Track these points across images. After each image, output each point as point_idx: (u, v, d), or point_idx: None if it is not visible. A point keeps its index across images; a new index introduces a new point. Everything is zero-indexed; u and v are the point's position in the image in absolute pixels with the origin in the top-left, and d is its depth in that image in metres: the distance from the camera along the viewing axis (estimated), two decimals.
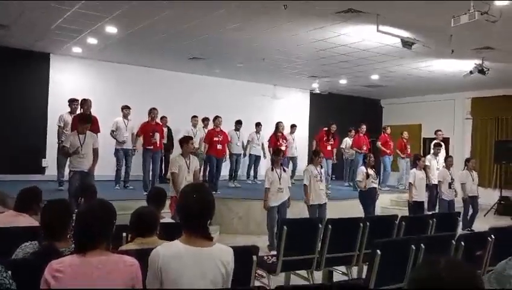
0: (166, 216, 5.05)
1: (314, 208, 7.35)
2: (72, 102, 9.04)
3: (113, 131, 9.57)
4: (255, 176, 12.02)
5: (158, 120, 9.98)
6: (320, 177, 7.46)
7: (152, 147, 9.28)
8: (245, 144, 11.56)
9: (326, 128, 11.67)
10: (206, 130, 10.68)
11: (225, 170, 10.94)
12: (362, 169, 8.27)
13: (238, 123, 11.27)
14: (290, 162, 12.16)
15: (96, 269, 2.14)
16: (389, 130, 12.49)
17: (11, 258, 2.73)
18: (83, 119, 7.19)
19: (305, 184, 7.41)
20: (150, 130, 9.31)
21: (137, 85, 11.65)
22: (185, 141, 6.89)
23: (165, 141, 10.51)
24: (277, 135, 11.17)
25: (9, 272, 2.02)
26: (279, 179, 7.12)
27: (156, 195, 4.48)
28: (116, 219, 2.31)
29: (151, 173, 9.30)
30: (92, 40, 9.20)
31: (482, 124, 13.87)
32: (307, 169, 7.61)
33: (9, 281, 1.96)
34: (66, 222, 2.72)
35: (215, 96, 12.67)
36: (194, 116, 11.00)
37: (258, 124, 11.84)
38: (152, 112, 9.44)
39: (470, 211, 9.36)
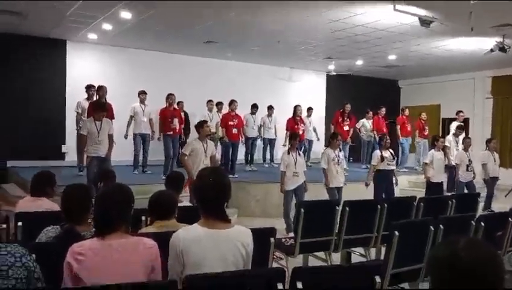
0: (185, 200, 5.11)
1: (333, 191, 7.35)
2: (89, 88, 9.14)
3: (131, 117, 9.67)
4: (272, 159, 12.04)
5: (175, 106, 10.03)
6: (338, 160, 7.43)
7: (172, 132, 9.35)
8: (258, 127, 11.57)
9: (341, 110, 11.61)
10: (221, 115, 10.69)
11: (241, 154, 10.97)
12: (377, 153, 8.20)
13: (254, 107, 11.26)
14: (308, 145, 12.13)
15: (115, 251, 2.18)
16: (407, 112, 12.35)
17: (34, 241, 2.80)
18: (99, 106, 7.29)
19: (323, 168, 7.39)
20: (169, 116, 9.37)
21: (152, 70, 11.69)
22: (200, 125, 6.93)
23: (183, 125, 10.57)
24: (295, 118, 11.13)
25: (34, 255, 2.07)
26: (295, 164, 7.13)
27: (174, 179, 4.53)
28: (134, 202, 2.34)
29: (171, 156, 9.37)
30: (106, 26, 9.23)
31: (503, 103, 13.58)
32: (324, 152, 7.59)
33: (33, 263, 2.02)
34: (86, 206, 2.77)
35: (230, 80, 12.64)
36: (210, 101, 11.03)
37: (270, 107, 11.80)
38: (170, 97, 9.49)
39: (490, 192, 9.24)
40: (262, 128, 11.64)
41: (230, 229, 2.32)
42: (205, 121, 7.21)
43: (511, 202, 9.69)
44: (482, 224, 4.13)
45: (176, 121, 9.40)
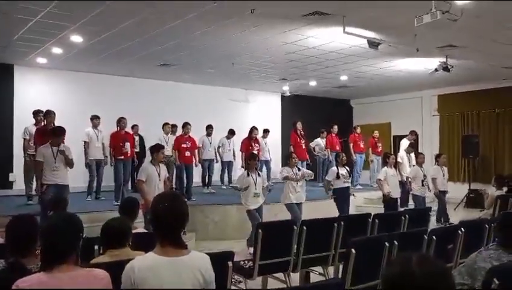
0: (139, 226, 4.97)
1: (294, 207, 7.43)
2: (36, 114, 8.80)
3: (85, 142, 9.42)
4: (230, 181, 11.98)
5: (129, 129, 9.84)
6: (297, 178, 7.51)
7: (123, 156, 9.15)
8: (217, 149, 11.52)
9: (293, 129, 11.81)
10: (174, 137, 10.59)
11: (198, 176, 10.87)
12: (333, 170, 8.36)
13: (209, 128, 11.23)
14: (264, 165, 12.17)
15: (65, 284, 2.07)
16: (359, 130, 12.69)
17: None
18: (58, 131, 7.02)
19: (284, 176, 7.47)
20: (121, 140, 9.18)
21: (106, 94, 11.47)
22: (156, 149, 6.84)
23: (137, 149, 10.39)
24: (250, 139, 11.19)
25: None
26: (255, 184, 7.14)
27: (127, 205, 4.43)
28: (83, 232, 2.25)
29: (122, 182, 9.15)
30: (56, 50, 9.00)
31: (448, 120, 14.22)
32: (284, 169, 7.66)
33: None
34: (33, 237, 2.63)
35: (186, 102, 12.59)
36: (166, 124, 10.92)
37: (231, 132, 11.78)
38: (121, 121, 9.31)
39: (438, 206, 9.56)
40: (221, 150, 11.60)
41: (187, 256, 2.26)
42: (161, 146, 7.09)
43: (460, 215, 10.08)
44: (434, 238, 4.24)
45: (127, 145, 9.21)
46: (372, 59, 9.97)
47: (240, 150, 11.09)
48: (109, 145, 9.34)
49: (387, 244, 3.93)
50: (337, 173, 8.16)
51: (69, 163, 6.92)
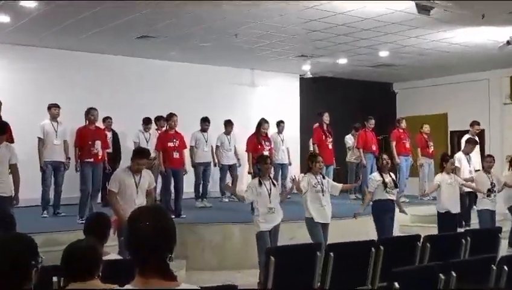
0: (112, 251, 5.00)
1: (318, 228, 7.32)
2: None
3: (39, 139, 9.46)
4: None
5: (100, 123, 9.88)
6: (322, 189, 7.48)
7: (93, 159, 9.18)
8: (214, 149, 11.54)
9: (318, 124, 11.73)
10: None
11: (190, 186, 10.89)
12: (375, 176, 8.26)
13: (205, 121, 11.20)
14: (280, 171, 12.18)
15: None
16: (404, 124, 12.62)
17: None
18: None
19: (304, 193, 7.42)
20: (90, 137, 9.20)
21: (67, 76, 11.52)
22: (135, 156, 6.87)
23: (109, 149, 10.41)
24: (259, 135, 11.04)
25: None
26: (269, 196, 7.10)
27: (95, 223, 4.45)
28: (38, 258, 2.26)
29: (90, 193, 9.20)
30: (2, 18, 9.06)
31: None
32: (304, 176, 7.60)
33: None
34: None
35: (173, 87, 12.63)
36: (147, 118, 10.95)
37: (228, 123, 11.79)
38: (90, 112, 9.32)
39: None
40: (220, 151, 11.64)
41: None
42: (143, 154, 7.06)
43: None
44: (506, 268, 4.23)
45: (98, 144, 9.24)
46: (421, 29, 9.92)
47: (246, 151, 11.05)
48: (74, 144, 9.35)
49: (442, 276, 3.93)
50: (383, 181, 8.08)
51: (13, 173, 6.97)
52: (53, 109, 9.59)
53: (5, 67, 11.12)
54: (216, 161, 11.57)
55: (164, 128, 10.38)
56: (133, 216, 2.37)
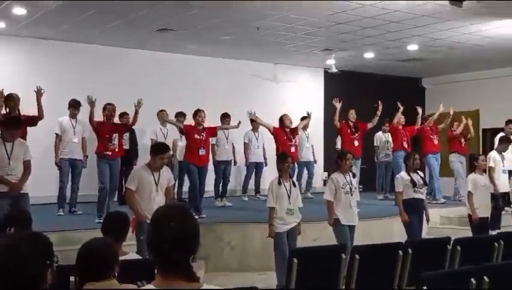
0: (131, 251, 5.03)
1: (345, 230, 7.30)
2: None
3: (57, 135, 9.59)
4: (257, 190, 12.02)
5: (117, 118, 9.97)
6: (351, 189, 7.46)
7: (110, 153, 9.24)
8: (235, 146, 11.57)
9: (344, 120, 11.68)
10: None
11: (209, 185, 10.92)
12: (403, 175, 8.21)
13: (225, 117, 11.22)
14: (305, 169, 12.17)
15: None
16: (432, 120, 12.48)
17: None
18: (11, 122, 7.18)
19: (328, 200, 7.39)
20: (107, 132, 9.26)
21: (84, 70, 11.64)
22: (154, 152, 6.91)
23: (126, 146, 10.48)
24: (285, 129, 11.00)
25: None
26: (289, 197, 7.10)
27: (113, 222, 4.49)
28: (53, 259, 2.28)
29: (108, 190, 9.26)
30: (19, 10, 9.18)
31: None
32: (331, 178, 7.59)
33: None
34: None
35: (193, 81, 12.67)
36: (162, 111, 10.98)
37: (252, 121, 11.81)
38: (107, 108, 9.40)
39: None
40: (248, 149, 11.69)
41: None
42: (164, 148, 7.12)
43: None
44: None
45: (116, 138, 9.30)
46: (453, 21, 9.83)
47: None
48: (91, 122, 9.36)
49: (473, 281, 3.89)
50: (411, 180, 8.03)
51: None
52: (73, 108, 9.71)
53: (24, 61, 11.27)
54: (237, 159, 11.59)
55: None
56: (157, 216, 2.38)
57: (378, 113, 11.67)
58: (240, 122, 10.65)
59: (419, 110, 12.26)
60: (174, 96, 11.98)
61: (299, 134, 11.48)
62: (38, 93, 8.28)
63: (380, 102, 11.52)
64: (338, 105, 11.30)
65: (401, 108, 11.92)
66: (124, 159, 9.88)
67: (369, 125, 11.72)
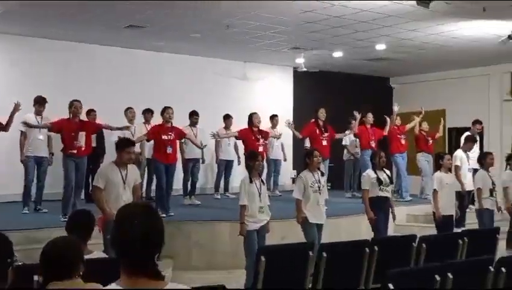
0: (97, 250, 4.99)
1: (313, 229, 7.36)
2: None
3: (21, 132, 9.44)
4: (226, 189, 12.01)
5: (83, 117, 9.86)
6: (319, 187, 7.51)
7: (76, 151, 9.13)
8: (203, 143, 11.54)
9: (313, 119, 11.73)
10: (149, 127, 10.60)
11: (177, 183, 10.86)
12: (369, 173, 8.30)
13: (194, 115, 11.20)
14: (273, 167, 12.21)
15: None
16: (398, 120, 12.61)
17: None
18: None
19: (297, 198, 7.42)
20: (73, 130, 9.14)
21: (51, 67, 11.47)
22: (121, 146, 6.85)
23: (93, 144, 10.36)
24: (253, 128, 11.04)
25: None
26: (259, 195, 7.12)
27: (78, 220, 4.45)
28: (13, 257, 2.25)
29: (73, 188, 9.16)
30: None
31: None
32: (300, 177, 7.64)
33: None
34: None
35: (161, 79, 12.62)
36: (129, 108, 10.89)
37: (227, 117, 11.85)
38: (74, 105, 9.27)
39: None
40: (219, 146, 11.68)
41: None
42: (129, 142, 7.09)
43: None
44: (504, 270, 4.25)
45: (82, 136, 9.19)
46: (420, 21, 9.94)
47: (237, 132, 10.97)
48: (51, 127, 9.23)
49: (438, 278, 3.94)
50: (378, 178, 8.11)
51: None
52: (38, 105, 9.58)
53: None
54: (205, 157, 11.59)
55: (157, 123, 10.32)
56: (121, 214, 2.38)
57: (351, 127, 12.03)
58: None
59: (388, 119, 12.36)
60: (143, 94, 11.90)
61: (268, 138, 11.48)
62: (16, 108, 8.13)
63: (356, 114, 11.68)
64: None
65: (358, 116, 11.96)
66: (91, 157, 9.77)
67: (337, 136, 11.85)
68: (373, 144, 11.95)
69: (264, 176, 8.07)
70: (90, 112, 10.65)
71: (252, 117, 11.00)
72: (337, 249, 4.97)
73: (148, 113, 11.07)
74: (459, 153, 10.41)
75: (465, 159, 10.29)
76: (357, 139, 12.43)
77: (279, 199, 10.74)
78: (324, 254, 4.83)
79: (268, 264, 4.62)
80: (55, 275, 3.03)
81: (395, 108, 12.40)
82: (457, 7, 8.87)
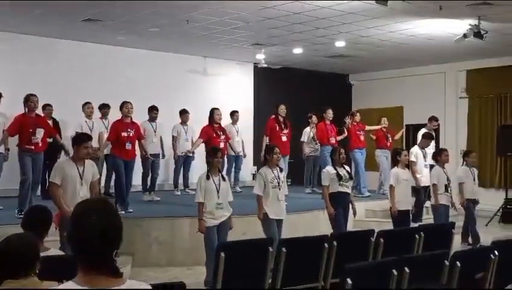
0: (53, 247, 4.91)
1: (273, 224, 7.38)
2: None
3: None
4: (186, 185, 11.96)
5: (39, 111, 9.67)
6: (279, 183, 7.54)
7: (33, 147, 8.97)
8: (163, 140, 11.49)
9: (274, 116, 11.79)
10: (107, 122, 10.47)
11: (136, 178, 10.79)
12: (329, 169, 8.37)
13: (153, 110, 11.16)
14: (234, 163, 12.24)
15: None
16: (358, 117, 12.75)
17: None
18: None
19: (258, 194, 7.44)
20: (30, 125, 8.97)
21: (7, 61, 11.27)
22: (78, 142, 6.76)
23: (50, 139, 10.20)
24: (213, 125, 11.08)
25: None
26: (218, 191, 7.10)
27: (34, 216, 4.39)
28: None
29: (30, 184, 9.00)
30: None
31: (481, 104, 14.46)
32: (259, 173, 7.65)
33: None
34: None
35: (120, 73, 12.48)
36: (87, 103, 10.76)
37: (183, 112, 11.82)
38: (30, 99, 9.08)
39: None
40: (176, 142, 11.63)
41: (123, 287, 2.26)
42: (86, 137, 6.99)
43: (493, 233, 10.34)
44: (458, 264, 4.34)
45: (39, 132, 9.03)
46: (379, 19, 10.06)
47: (200, 137, 10.99)
48: (5, 131, 9.07)
49: (395, 272, 4.01)
50: (337, 174, 8.19)
51: None
52: None
53: None
54: (166, 152, 11.52)
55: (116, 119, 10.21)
56: (78, 210, 2.35)
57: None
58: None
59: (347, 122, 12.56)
60: (101, 89, 11.75)
61: (226, 131, 11.52)
62: None
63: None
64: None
65: (315, 121, 12.34)
66: (48, 153, 9.61)
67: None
68: (333, 140, 12.08)
69: (224, 172, 8.08)
70: (46, 107, 10.48)
71: (213, 113, 11.07)
72: (296, 244, 5.00)
73: (105, 108, 10.97)
74: (414, 149, 10.61)
75: (421, 155, 10.47)
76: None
77: (239, 195, 10.76)
78: (284, 249, 4.86)
79: (228, 260, 4.63)
80: (10, 274, 2.99)
81: (347, 121, 12.68)
82: (415, 6, 9.00)
